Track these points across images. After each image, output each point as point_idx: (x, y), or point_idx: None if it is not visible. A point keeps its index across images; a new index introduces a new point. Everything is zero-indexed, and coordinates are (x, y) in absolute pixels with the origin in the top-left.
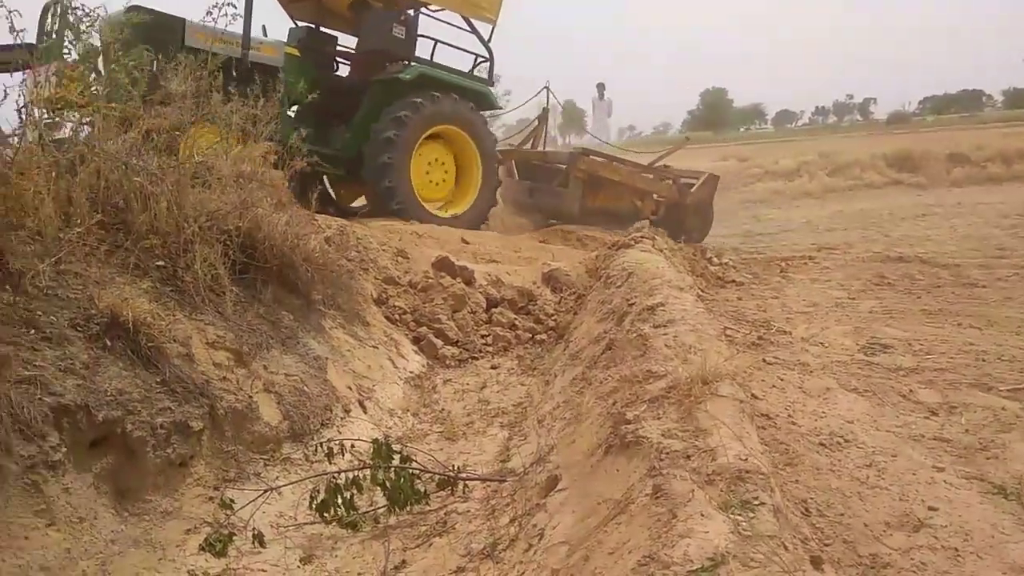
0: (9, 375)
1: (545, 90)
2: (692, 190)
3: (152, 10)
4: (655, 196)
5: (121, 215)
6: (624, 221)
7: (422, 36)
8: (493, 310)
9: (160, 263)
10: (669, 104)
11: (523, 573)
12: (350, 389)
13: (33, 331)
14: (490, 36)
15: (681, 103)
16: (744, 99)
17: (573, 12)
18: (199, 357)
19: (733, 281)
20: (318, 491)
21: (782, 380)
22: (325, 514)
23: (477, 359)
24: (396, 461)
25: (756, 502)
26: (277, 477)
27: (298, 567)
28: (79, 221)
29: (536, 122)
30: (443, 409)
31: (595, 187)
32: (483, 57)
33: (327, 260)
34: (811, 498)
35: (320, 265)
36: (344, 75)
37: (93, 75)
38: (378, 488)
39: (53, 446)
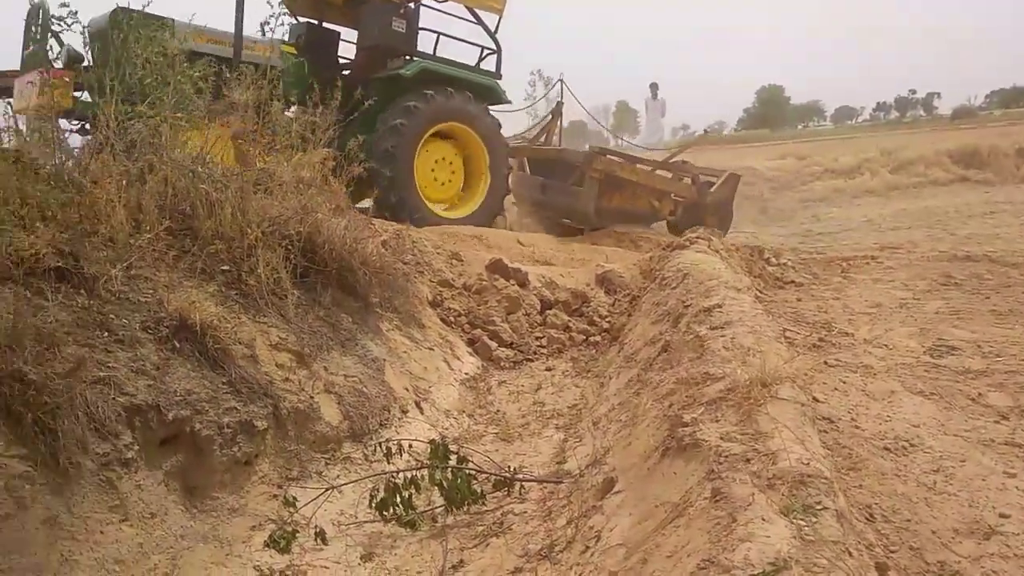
0: (85, 376)
1: (560, 83)
2: (712, 189)
3: (139, 11)
4: (673, 196)
5: (188, 221)
6: (641, 222)
7: (424, 29)
8: (547, 312)
9: (225, 267)
10: (724, 103)
11: (580, 575)
12: (407, 390)
13: (107, 333)
14: (496, 27)
15: (737, 102)
16: (802, 96)
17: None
18: (263, 358)
19: (792, 282)
20: (378, 490)
21: (844, 383)
22: (384, 513)
23: (531, 361)
24: (453, 461)
25: (819, 507)
26: (338, 476)
27: (359, 564)
28: (148, 227)
29: (550, 116)
30: (498, 410)
31: (611, 187)
32: (490, 49)
33: (384, 263)
34: (876, 504)
35: (377, 268)
36: (348, 74)
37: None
38: (436, 488)
39: (126, 444)
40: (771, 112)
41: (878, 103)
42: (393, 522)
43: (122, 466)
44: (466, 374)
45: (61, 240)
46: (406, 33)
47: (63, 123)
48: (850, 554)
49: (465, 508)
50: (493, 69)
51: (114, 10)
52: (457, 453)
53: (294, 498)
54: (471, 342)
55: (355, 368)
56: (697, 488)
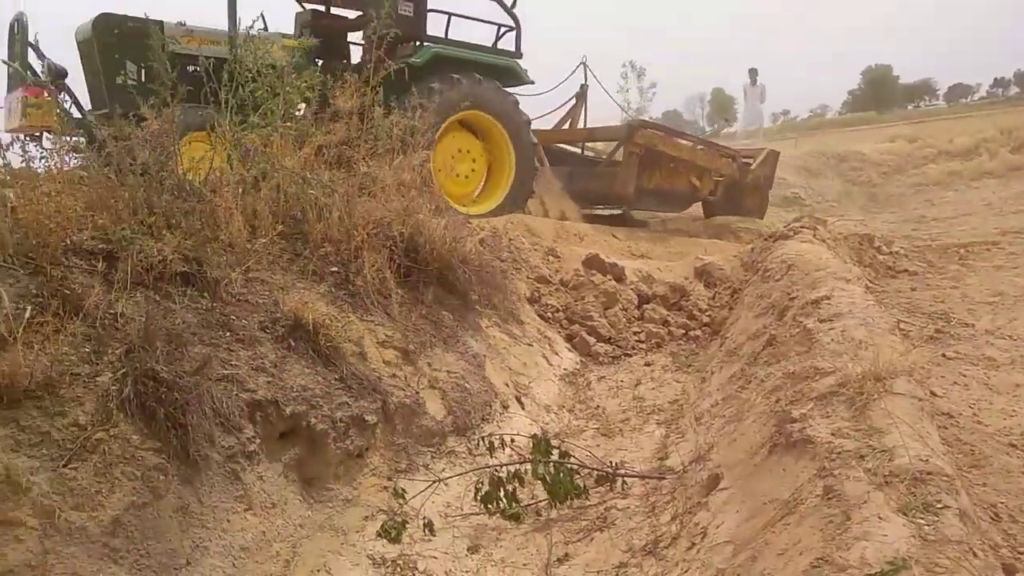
0: (211, 373)
1: (582, 66)
2: (752, 167)
3: (125, 16)
4: (714, 175)
5: (299, 225)
6: (679, 203)
7: (433, 11)
8: (645, 307)
9: (334, 269)
10: (825, 86)
11: (687, 571)
12: (507, 385)
13: (229, 333)
14: (514, 2)
15: (841, 84)
16: (911, 74)
17: None
18: (371, 355)
19: (905, 271)
20: (482, 483)
21: (965, 376)
22: (489, 506)
23: (630, 356)
24: (555, 456)
25: (939, 505)
26: (443, 469)
27: (466, 555)
28: (263, 232)
29: (574, 100)
30: (598, 406)
31: (652, 164)
32: (507, 26)
33: (483, 261)
34: (1001, 503)
35: (476, 266)
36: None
37: (63, 95)
38: (538, 482)
39: (249, 437)
40: (879, 93)
41: (996, 79)
42: (498, 515)
43: (245, 458)
44: (565, 369)
45: (186, 247)
46: (414, 17)
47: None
48: (975, 554)
49: (568, 502)
50: (513, 48)
51: (97, 17)
52: (559, 448)
53: (403, 490)
54: (569, 338)
55: (457, 364)
56: (808, 485)
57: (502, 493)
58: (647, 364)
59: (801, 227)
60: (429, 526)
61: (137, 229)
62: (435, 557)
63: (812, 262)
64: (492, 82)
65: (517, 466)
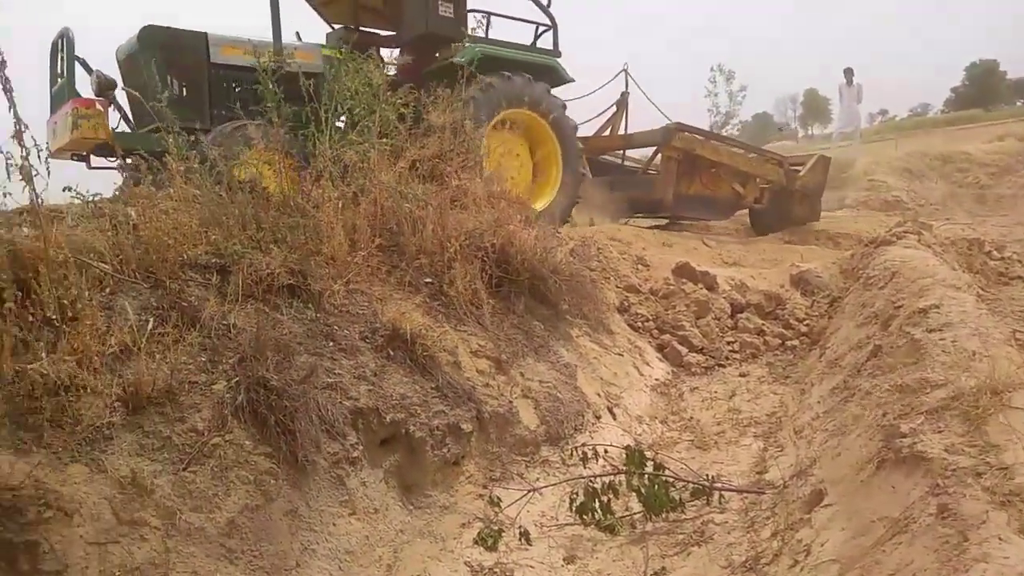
0: (317, 381)
1: (623, 73)
2: (801, 174)
3: (169, 28)
4: (759, 181)
5: (395, 238)
6: (721, 210)
7: (473, 11)
8: (738, 316)
9: (428, 280)
10: (926, 83)
11: None
12: (599, 396)
13: (332, 343)
14: (550, 0)
15: (943, 81)
16: (1020, 69)
17: None
18: (465, 365)
19: (1019, 277)
20: (577, 494)
21: None
22: (584, 516)
23: (724, 366)
24: (649, 468)
25: None
26: (537, 478)
27: (562, 566)
28: (363, 245)
29: (614, 108)
30: (691, 417)
31: (691, 170)
32: (545, 25)
33: (573, 271)
34: None
35: (567, 276)
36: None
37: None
38: (633, 494)
39: (352, 444)
40: (985, 89)
41: None
42: (593, 526)
43: (349, 464)
44: (657, 380)
45: (291, 260)
46: (455, 17)
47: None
48: None
49: (664, 515)
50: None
51: (142, 29)
52: (653, 460)
53: (498, 498)
54: (660, 347)
55: (549, 374)
56: (920, 503)
57: (597, 504)
58: (742, 375)
59: (905, 232)
60: (525, 535)
61: (247, 244)
62: (532, 567)
63: (918, 269)
64: (541, 83)
65: (611, 477)
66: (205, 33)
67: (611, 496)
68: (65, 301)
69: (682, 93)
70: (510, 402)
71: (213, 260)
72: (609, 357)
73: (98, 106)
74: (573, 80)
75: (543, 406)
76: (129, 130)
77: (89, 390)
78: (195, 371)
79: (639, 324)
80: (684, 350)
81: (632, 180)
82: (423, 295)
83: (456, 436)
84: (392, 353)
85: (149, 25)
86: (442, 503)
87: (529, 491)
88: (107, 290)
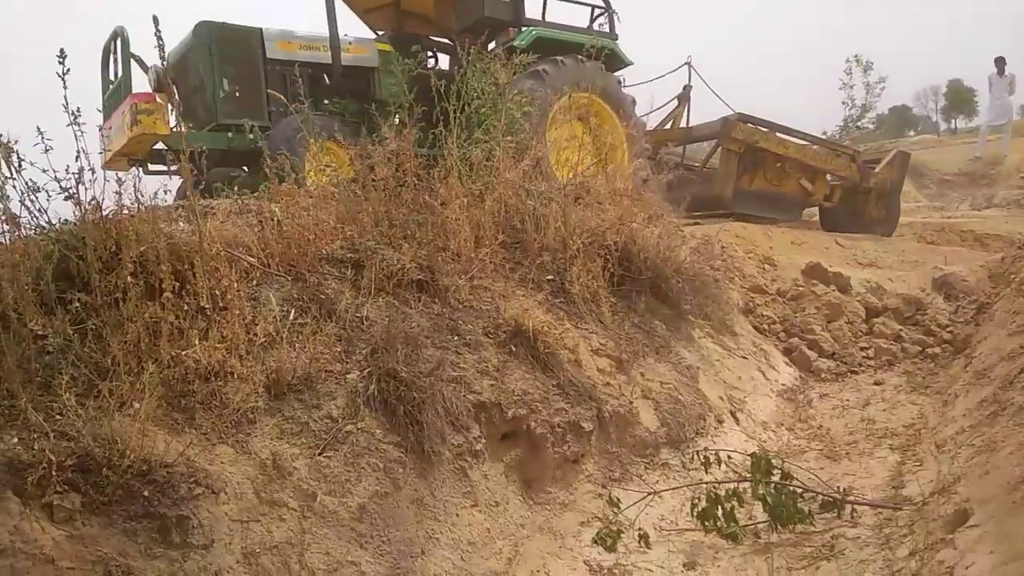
0: (443, 374)
1: (686, 66)
2: (876, 170)
3: (225, 24)
4: (828, 177)
5: (518, 235)
6: (787, 208)
7: None
8: (874, 320)
9: (550, 277)
10: None
11: None
12: (722, 399)
13: (456, 337)
14: None
15: None
16: None
17: None
18: (585, 363)
19: None
20: (698, 499)
21: None
22: (706, 523)
23: (856, 373)
24: (776, 477)
25: None
26: (657, 481)
27: (681, 571)
28: (487, 242)
29: (676, 102)
30: (820, 426)
31: (753, 164)
32: (600, 7)
33: (696, 270)
34: None
35: (689, 276)
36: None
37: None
38: (758, 503)
39: (475, 437)
40: None
41: None
42: (714, 533)
43: (472, 456)
44: (783, 385)
45: (420, 256)
46: (512, 2)
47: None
48: None
49: (790, 527)
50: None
51: (197, 25)
52: (780, 468)
53: (618, 499)
54: (787, 351)
55: (670, 375)
56: None
57: (720, 511)
58: (877, 383)
59: None
60: (644, 538)
61: (379, 240)
62: (650, 570)
63: None
64: (600, 64)
65: (736, 484)
66: (260, 29)
67: (735, 503)
68: (216, 292)
69: (812, 94)
70: (630, 402)
71: (348, 255)
72: (733, 360)
73: (159, 99)
74: (632, 63)
75: (664, 407)
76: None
77: (236, 376)
78: (331, 360)
79: (765, 326)
80: (813, 355)
81: (692, 175)
82: (545, 292)
83: (576, 434)
84: (514, 349)
85: (204, 21)
86: (561, 500)
87: (649, 493)
88: (254, 282)
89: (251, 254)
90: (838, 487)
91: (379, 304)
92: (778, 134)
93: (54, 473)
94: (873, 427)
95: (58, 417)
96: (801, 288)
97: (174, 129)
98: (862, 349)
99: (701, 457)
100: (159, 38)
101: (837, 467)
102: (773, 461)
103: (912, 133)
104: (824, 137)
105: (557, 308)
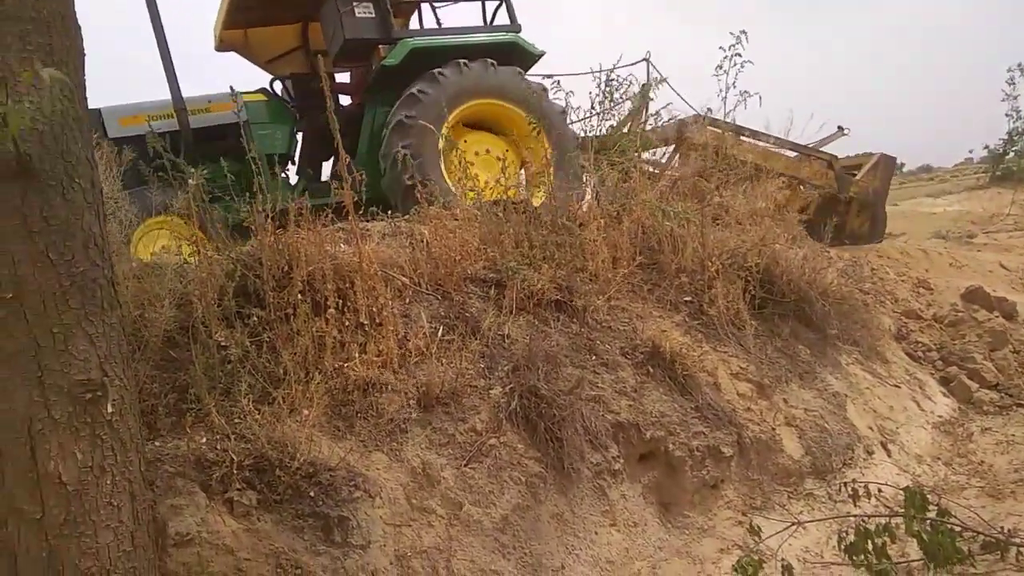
0: (582, 393)
1: (645, 62)
2: (857, 177)
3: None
4: (804, 187)
5: (655, 256)
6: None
7: (400, 2)
8: None
9: (688, 298)
10: None
11: None
12: (871, 429)
13: (594, 357)
14: None
15: None
16: None
17: None
18: (725, 387)
19: None
20: (846, 532)
21: None
22: (854, 557)
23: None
24: (932, 513)
25: None
26: (801, 512)
27: None
28: (624, 263)
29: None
30: (982, 461)
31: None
32: None
33: (843, 293)
34: None
35: (837, 299)
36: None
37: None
38: (911, 540)
39: (614, 456)
40: None
41: None
42: (863, 568)
43: (611, 476)
44: (939, 417)
45: (559, 277)
46: (376, 16)
47: None
48: None
49: (948, 567)
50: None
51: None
52: (936, 505)
53: (759, 527)
54: (944, 381)
55: (815, 402)
56: None
57: (869, 546)
58: None
59: None
60: (788, 569)
61: (520, 261)
62: None
63: None
64: (496, 64)
65: (887, 519)
66: (99, 110)
67: (886, 539)
68: (374, 309)
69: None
70: (772, 429)
71: (491, 275)
72: (883, 388)
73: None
74: (543, 53)
75: (808, 436)
76: None
77: (390, 388)
78: (475, 376)
79: (919, 354)
80: (974, 385)
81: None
82: (683, 314)
83: (716, 459)
84: (651, 370)
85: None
86: (700, 525)
87: (793, 524)
88: (406, 300)
89: (403, 274)
90: (1002, 527)
91: (520, 323)
92: (744, 138)
93: (235, 472)
94: None
95: (237, 421)
96: (960, 314)
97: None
98: None
99: (849, 489)
100: None
101: (1000, 506)
102: (929, 496)
103: None
104: (799, 143)
105: (695, 330)
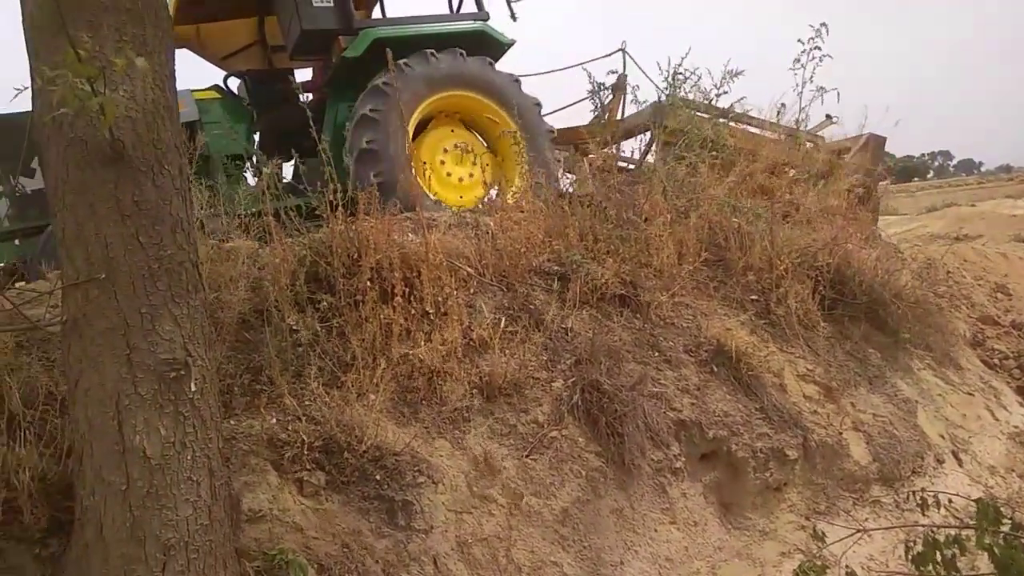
0: (644, 389)
1: (621, 52)
2: (846, 160)
3: None
4: (788, 170)
5: (721, 253)
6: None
7: None
8: None
9: (754, 297)
10: None
11: None
12: (942, 438)
13: (657, 353)
14: None
15: None
16: None
17: None
18: (791, 388)
19: None
20: (913, 542)
21: None
22: (921, 568)
23: None
24: (1006, 527)
25: None
26: (867, 519)
27: None
28: (689, 260)
29: (611, 93)
30: None
31: None
32: None
33: (917, 297)
34: None
35: (910, 302)
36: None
37: None
38: (983, 553)
39: (675, 454)
40: None
41: None
42: None
43: (672, 473)
44: (1014, 427)
45: (623, 271)
46: (335, 5)
47: None
48: None
49: None
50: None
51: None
52: (1011, 518)
53: (823, 533)
54: (1021, 390)
55: (884, 407)
56: None
57: (938, 557)
58: None
59: None
60: None
61: (584, 254)
62: None
63: None
64: (465, 53)
65: (957, 530)
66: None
67: (956, 551)
68: (439, 298)
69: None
70: (839, 433)
71: (555, 268)
72: (956, 396)
73: None
74: (513, 42)
75: (876, 441)
76: None
77: (453, 377)
78: (537, 368)
79: (995, 361)
80: None
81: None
82: (749, 313)
83: (780, 461)
84: (715, 369)
85: None
86: (761, 528)
87: (858, 531)
88: (470, 290)
89: (469, 264)
90: None
91: (583, 316)
92: (725, 120)
93: (305, 452)
94: None
95: (308, 403)
96: None
97: None
98: None
99: (918, 497)
100: None
101: None
102: (1002, 509)
103: None
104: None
105: (761, 329)
